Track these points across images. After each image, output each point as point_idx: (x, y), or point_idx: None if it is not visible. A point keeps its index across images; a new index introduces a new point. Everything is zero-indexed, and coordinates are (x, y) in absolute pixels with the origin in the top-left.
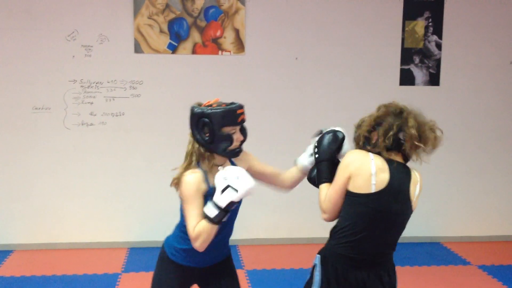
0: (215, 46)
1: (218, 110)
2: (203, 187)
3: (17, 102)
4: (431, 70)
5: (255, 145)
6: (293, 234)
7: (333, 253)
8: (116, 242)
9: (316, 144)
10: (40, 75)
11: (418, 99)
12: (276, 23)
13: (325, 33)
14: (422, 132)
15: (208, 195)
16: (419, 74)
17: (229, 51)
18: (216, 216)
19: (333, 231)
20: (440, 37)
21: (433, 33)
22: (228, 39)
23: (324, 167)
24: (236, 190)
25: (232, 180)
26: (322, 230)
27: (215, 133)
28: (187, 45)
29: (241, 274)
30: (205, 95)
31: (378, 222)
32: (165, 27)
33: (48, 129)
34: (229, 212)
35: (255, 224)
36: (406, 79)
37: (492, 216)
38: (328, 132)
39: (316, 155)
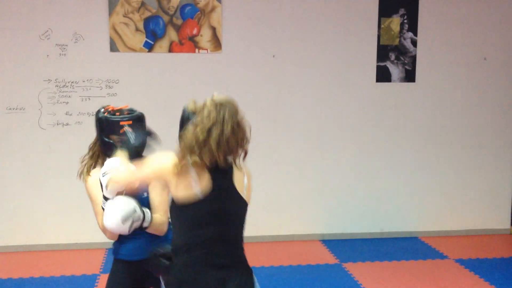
0: (192, 44)
1: (103, 118)
2: None
3: None
4: (407, 67)
5: None
6: (272, 232)
7: (185, 267)
8: (94, 242)
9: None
10: (13, 75)
11: (394, 95)
12: (253, 20)
13: (302, 30)
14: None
15: None
16: (395, 71)
17: (206, 49)
18: None
19: (176, 251)
20: (415, 34)
21: (408, 30)
22: (204, 37)
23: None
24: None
25: (111, 173)
26: (302, 227)
27: (101, 138)
28: (164, 43)
29: None
30: (182, 93)
31: (214, 222)
32: (141, 26)
33: (23, 129)
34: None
35: None
36: (383, 76)
37: (468, 210)
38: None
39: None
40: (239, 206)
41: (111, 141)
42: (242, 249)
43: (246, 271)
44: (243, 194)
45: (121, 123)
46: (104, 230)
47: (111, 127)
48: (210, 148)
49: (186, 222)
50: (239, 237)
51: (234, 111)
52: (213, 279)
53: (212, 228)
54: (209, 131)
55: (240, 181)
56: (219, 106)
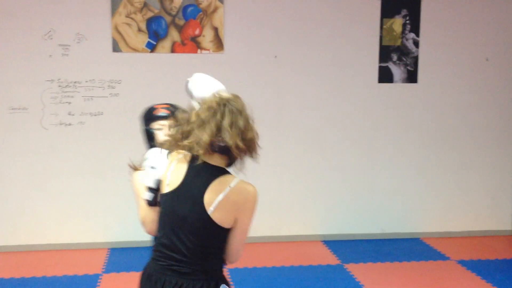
0: (194, 44)
1: (145, 109)
2: None
3: None
4: (409, 68)
5: None
6: (273, 232)
7: (152, 261)
8: (97, 242)
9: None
10: (16, 75)
11: (396, 96)
12: (255, 21)
13: (304, 31)
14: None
15: None
16: (397, 71)
17: (208, 50)
18: (150, 197)
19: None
20: (417, 34)
21: (410, 31)
22: (207, 37)
23: None
24: (155, 168)
25: (150, 160)
26: (303, 227)
27: (143, 128)
28: (166, 43)
29: None
30: (184, 94)
31: (168, 225)
32: (143, 26)
33: (25, 129)
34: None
35: None
36: (385, 76)
37: (470, 211)
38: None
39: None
40: (197, 217)
41: (151, 130)
42: (208, 260)
43: (206, 282)
44: (209, 207)
45: (155, 105)
46: (144, 222)
47: (149, 114)
48: (194, 139)
49: (159, 216)
50: (200, 248)
51: (237, 108)
52: (171, 284)
53: (169, 230)
54: (199, 119)
55: (215, 194)
56: (222, 100)
